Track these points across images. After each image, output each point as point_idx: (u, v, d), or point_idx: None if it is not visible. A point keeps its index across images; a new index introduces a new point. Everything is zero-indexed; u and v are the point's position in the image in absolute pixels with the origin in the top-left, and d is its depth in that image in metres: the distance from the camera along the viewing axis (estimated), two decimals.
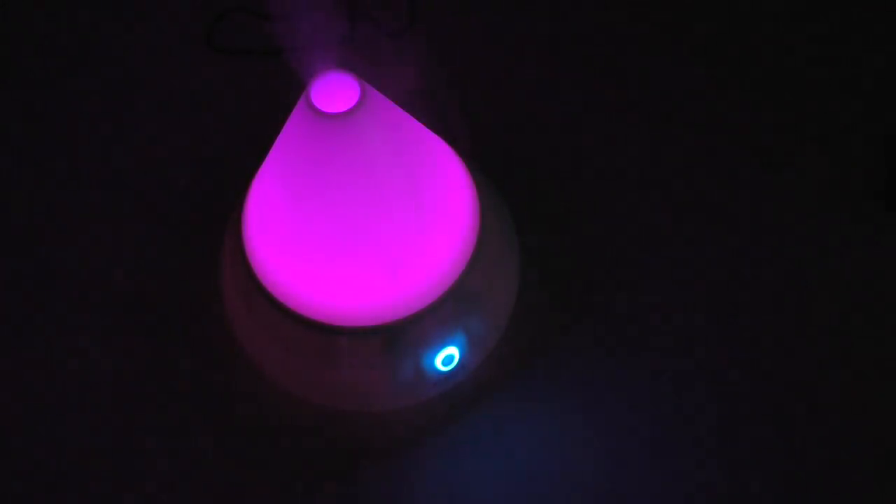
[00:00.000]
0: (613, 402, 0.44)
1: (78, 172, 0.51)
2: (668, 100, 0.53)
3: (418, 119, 0.37)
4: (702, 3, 0.56)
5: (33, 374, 0.45)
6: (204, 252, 0.47)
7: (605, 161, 0.51)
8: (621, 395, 0.44)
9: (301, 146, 0.34)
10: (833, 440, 0.44)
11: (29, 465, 0.43)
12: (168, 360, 0.45)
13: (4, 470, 0.43)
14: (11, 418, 0.44)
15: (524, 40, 0.55)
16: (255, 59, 0.54)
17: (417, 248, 0.37)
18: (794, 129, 0.52)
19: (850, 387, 0.45)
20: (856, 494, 0.43)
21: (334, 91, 0.33)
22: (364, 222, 0.35)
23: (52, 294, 0.47)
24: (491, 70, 0.54)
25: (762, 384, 0.45)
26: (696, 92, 0.53)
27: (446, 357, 0.40)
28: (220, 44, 0.54)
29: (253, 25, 0.55)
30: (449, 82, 0.53)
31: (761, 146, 0.51)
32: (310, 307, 0.37)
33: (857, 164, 0.50)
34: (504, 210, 0.43)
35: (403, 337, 0.38)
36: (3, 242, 0.49)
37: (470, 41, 0.55)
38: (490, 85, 0.53)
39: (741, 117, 0.52)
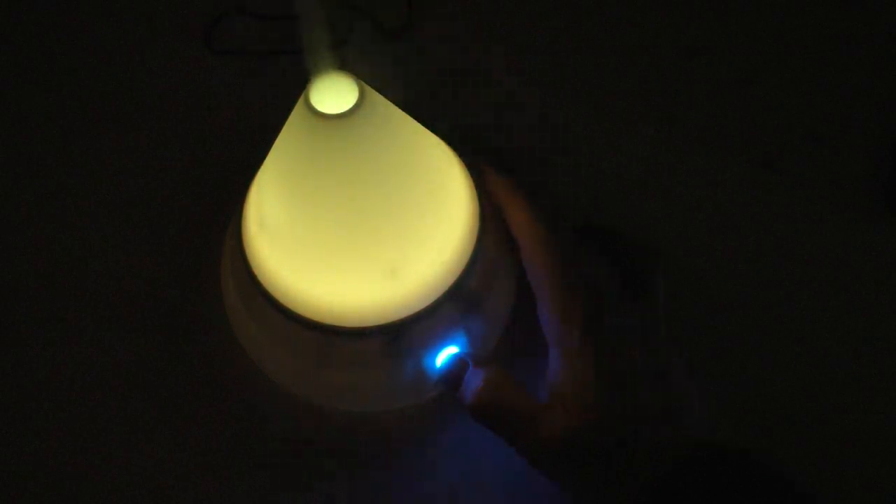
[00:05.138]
0: None
1: (76, 173, 0.51)
2: (669, 100, 0.53)
3: (418, 119, 0.37)
4: (702, 2, 0.56)
5: (33, 374, 0.45)
6: (204, 252, 0.47)
7: (604, 161, 0.51)
8: None
9: (300, 147, 0.34)
10: (833, 441, 0.44)
11: (28, 462, 0.44)
12: (168, 361, 0.45)
13: (7, 466, 0.43)
14: (13, 416, 0.45)
15: (524, 40, 0.55)
16: (254, 60, 0.54)
17: (417, 247, 0.37)
18: (795, 128, 0.52)
19: (850, 387, 0.45)
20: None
21: (333, 92, 0.33)
22: (363, 222, 0.35)
23: (51, 294, 0.47)
24: (491, 70, 0.54)
25: (762, 384, 0.45)
26: (696, 91, 0.53)
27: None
28: (220, 45, 0.54)
29: (252, 26, 0.55)
30: (448, 82, 0.53)
31: (761, 145, 0.51)
32: (309, 307, 0.37)
33: (858, 164, 0.50)
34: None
35: (403, 337, 0.38)
36: (3, 242, 0.49)
37: (469, 41, 0.55)
38: (490, 85, 0.53)
39: (741, 116, 0.52)
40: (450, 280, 0.38)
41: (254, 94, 0.53)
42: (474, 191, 0.40)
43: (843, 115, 0.52)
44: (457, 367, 0.40)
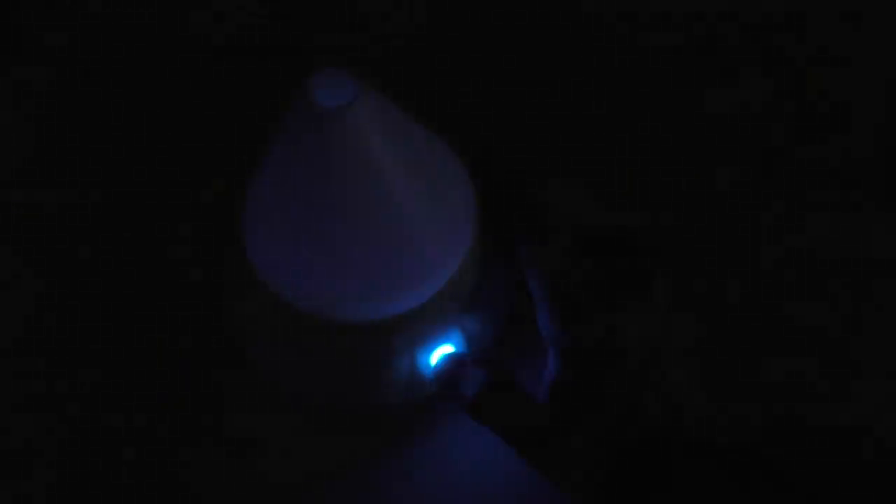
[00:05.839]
0: None
1: (76, 173, 0.51)
2: (668, 100, 0.53)
3: (416, 117, 0.37)
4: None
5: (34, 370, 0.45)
6: (203, 252, 0.47)
7: (604, 161, 0.51)
8: None
9: (297, 141, 0.34)
10: (833, 441, 0.44)
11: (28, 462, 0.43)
12: (167, 360, 0.45)
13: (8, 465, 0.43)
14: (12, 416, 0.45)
15: (525, 40, 0.55)
16: (254, 61, 0.54)
17: (414, 244, 0.37)
18: (794, 128, 0.52)
19: (850, 387, 0.45)
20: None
21: (331, 87, 0.33)
22: (360, 218, 0.35)
23: (51, 291, 0.47)
24: (492, 70, 0.54)
25: (761, 384, 0.45)
26: (694, 91, 0.53)
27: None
28: (219, 45, 0.54)
29: (252, 25, 0.55)
30: (447, 82, 0.53)
31: (761, 145, 0.51)
32: (305, 301, 0.37)
33: (857, 163, 0.50)
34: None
35: (399, 333, 0.38)
36: (6, 239, 0.49)
37: (470, 41, 0.55)
38: (491, 85, 0.53)
39: (740, 116, 0.52)
40: (446, 276, 0.38)
41: (254, 94, 0.53)
42: (473, 188, 0.40)
43: (844, 114, 0.52)
44: (454, 367, 0.40)
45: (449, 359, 0.40)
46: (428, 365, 0.40)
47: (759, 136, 0.51)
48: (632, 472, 0.36)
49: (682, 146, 0.51)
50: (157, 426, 0.44)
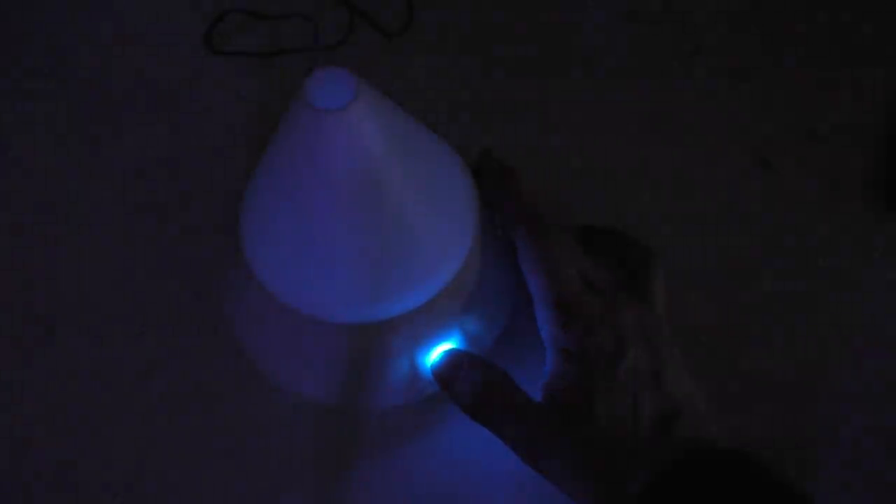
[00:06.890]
0: None
1: (75, 174, 0.51)
2: (667, 101, 0.53)
3: (416, 116, 0.37)
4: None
5: (35, 375, 0.45)
6: (203, 251, 0.47)
7: (603, 161, 0.51)
8: None
9: (296, 142, 0.34)
10: (832, 441, 0.44)
11: (29, 461, 0.44)
12: (167, 360, 0.45)
13: (10, 466, 0.44)
14: (14, 417, 0.45)
15: (524, 40, 0.55)
16: (254, 60, 0.54)
17: (414, 245, 0.37)
18: (794, 128, 0.52)
19: (850, 387, 0.45)
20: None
21: (330, 87, 0.33)
22: (360, 218, 0.35)
23: (51, 291, 0.47)
24: (489, 70, 0.54)
25: (762, 384, 0.45)
26: (693, 89, 0.53)
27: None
28: (220, 45, 0.54)
29: (252, 26, 0.55)
30: (447, 82, 0.53)
31: (760, 144, 0.51)
32: (304, 302, 0.37)
33: (856, 163, 0.50)
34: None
35: (399, 334, 0.38)
36: (7, 240, 0.49)
37: (469, 40, 0.55)
38: (489, 85, 0.53)
39: (740, 116, 0.52)
40: (447, 277, 0.38)
41: (254, 94, 0.53)
42: (473, 188, 0.40)
43: (843, 115, 0.52)
44: (453, 366, 0.40)
45: (448, 357, 0.40)
46: (427, 364, 0.40)
47: (759, 137, 0.52)
48: (630, 474, 0.36)
49: (678, 145, 0.51)
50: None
